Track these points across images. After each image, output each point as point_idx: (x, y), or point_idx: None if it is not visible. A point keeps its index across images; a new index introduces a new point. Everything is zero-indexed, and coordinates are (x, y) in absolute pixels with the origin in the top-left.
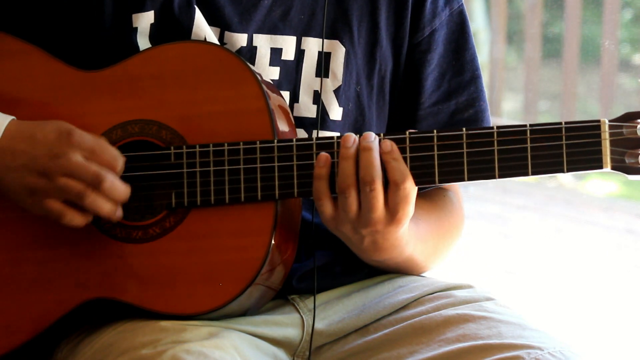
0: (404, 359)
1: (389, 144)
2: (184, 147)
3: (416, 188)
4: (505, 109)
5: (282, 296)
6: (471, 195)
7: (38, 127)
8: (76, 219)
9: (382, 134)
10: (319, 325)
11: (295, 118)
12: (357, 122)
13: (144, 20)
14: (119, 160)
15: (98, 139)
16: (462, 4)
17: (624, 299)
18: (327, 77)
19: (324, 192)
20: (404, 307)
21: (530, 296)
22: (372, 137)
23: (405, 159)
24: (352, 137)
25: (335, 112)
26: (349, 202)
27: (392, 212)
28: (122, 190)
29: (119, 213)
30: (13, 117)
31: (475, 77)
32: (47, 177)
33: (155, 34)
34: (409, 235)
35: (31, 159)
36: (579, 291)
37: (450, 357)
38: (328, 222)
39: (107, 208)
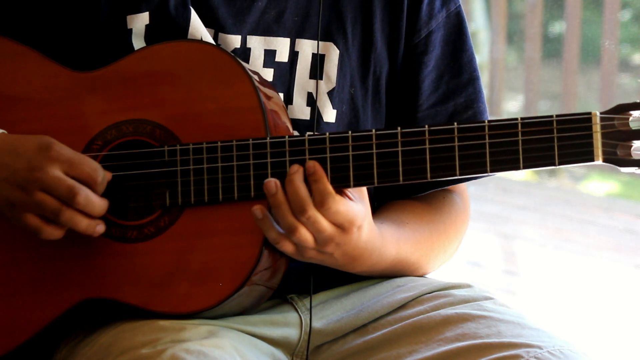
0: (403, 358)
1: (311, 166)
2: (177, 145)
3: (345, 198)
4: (505, 109)
5: (280, 295)
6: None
7: (20, 141)
8: (55, 234)
9: (373, 130)
10: (317, 324)
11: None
12: (351, 125)
13: (139, 22)
14: (99, 171)
15: (77, 152)
16: (459, 5)
17: (624, 298)
18: (321, 79)
19: (279, 237)
20: (403, 306)
21: (530, 296)
22: (294, 169)
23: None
24: (273, 185)
25: (329, 115)
26: (303, 239)
27: (337, 226)
28: (97, 204)
29: (99, 228)
30: (2, 131)
31: (473, 79)
32: (25, 191)
33: (151, 35)
34: (386, 237)
35: (12, 173)
36: (579, 291)
37: (450, 356)
38: (295, 257)
39: (84, 224)
